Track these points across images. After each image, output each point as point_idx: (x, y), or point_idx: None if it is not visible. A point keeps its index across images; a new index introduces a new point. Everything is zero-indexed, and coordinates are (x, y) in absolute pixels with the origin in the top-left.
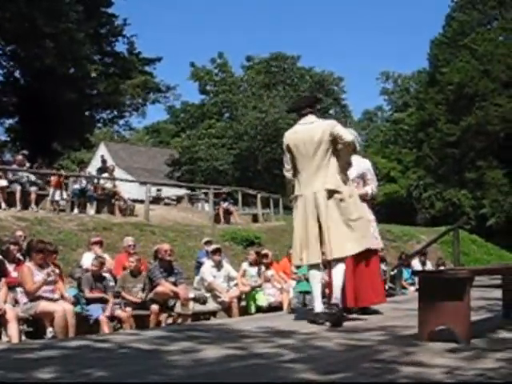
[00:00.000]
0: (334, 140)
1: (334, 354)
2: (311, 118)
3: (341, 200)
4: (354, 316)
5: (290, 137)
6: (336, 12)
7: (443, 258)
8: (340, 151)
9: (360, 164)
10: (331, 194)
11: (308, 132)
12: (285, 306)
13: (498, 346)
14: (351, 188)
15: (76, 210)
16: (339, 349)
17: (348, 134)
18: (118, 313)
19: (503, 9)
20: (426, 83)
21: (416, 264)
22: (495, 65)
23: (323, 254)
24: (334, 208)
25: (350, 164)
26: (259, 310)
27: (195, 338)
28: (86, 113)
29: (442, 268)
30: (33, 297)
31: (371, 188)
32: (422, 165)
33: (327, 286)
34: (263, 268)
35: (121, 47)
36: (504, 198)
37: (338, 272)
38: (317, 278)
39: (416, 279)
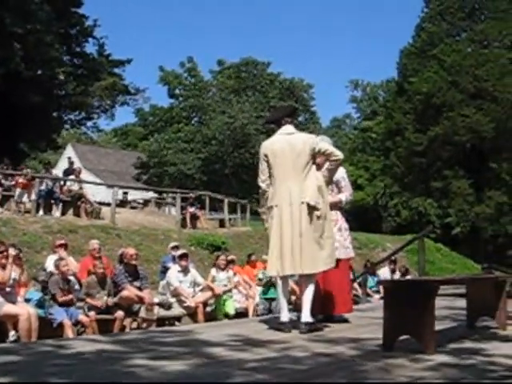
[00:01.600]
0: (314, 155)
1: (302, 362)
2: (289, 128)
3: (318, 217)
4: (321, 324)
5: (268, 146)
6: (307, 20)
7: (408, 266)
8: (327, 168)
9: None
10: (310, 209)
11: (287, 142)
12: (250, 313)
13: (462, 356)
14: (327, 206)
15: (41, 212)
16: (305, 358)
17: (337, 151)
18: (81, 317)
19: (472, 21)
20: (394, 92)
21: (386, 272)
22: (463, 76)
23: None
24: (309, 224)
25: (332, 181)
26: (226, 316)
27: (161, 344)
28: (54, 114)
29: (406, 276)
30: (4, 291)
31: (345, 195)
32: (389, 173)
33: (293, 293)
34: (231, 273)
35: (90, 48)
36: (469, 208)
37: (309, 290)
38: (285, 286)
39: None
